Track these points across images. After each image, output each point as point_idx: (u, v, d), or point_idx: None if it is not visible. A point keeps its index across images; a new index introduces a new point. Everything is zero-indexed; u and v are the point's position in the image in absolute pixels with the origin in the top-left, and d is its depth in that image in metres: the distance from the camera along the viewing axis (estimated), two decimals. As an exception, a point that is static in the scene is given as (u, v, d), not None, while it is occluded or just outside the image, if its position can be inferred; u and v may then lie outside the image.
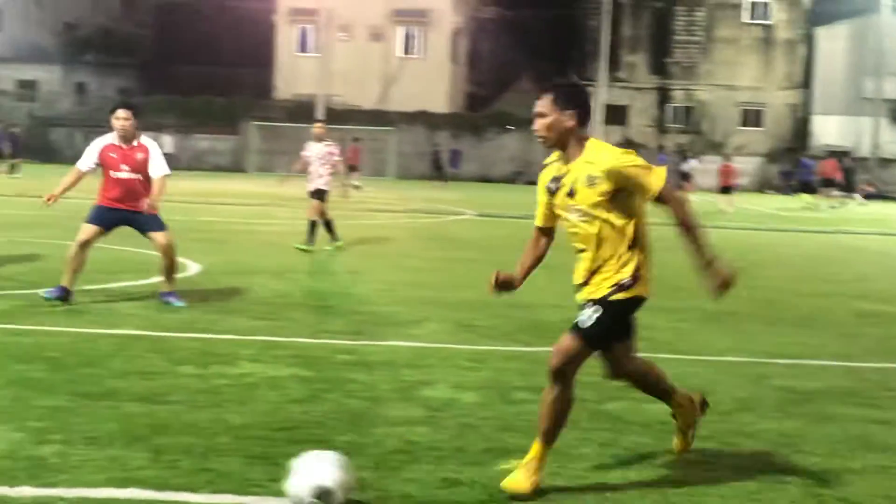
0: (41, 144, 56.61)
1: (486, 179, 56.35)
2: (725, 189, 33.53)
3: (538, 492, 4.64)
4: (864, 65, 59.71)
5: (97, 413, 5.75)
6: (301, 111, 58.56)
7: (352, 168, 42.27)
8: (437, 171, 50.74)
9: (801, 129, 60.96)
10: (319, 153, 15.88)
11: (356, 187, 39.01)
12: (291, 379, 6.81)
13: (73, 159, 11.24)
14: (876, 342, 9.09)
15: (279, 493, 4.48)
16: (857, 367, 8.08)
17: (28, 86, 64.00)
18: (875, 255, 19.93)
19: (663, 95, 61.95)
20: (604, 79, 57.41)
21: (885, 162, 58.89)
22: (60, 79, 64.87)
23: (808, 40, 60.87)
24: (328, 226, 15.67)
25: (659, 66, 61.98)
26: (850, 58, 59.79)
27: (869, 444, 5.76)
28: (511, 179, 56.58)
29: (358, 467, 4.93)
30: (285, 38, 63.90)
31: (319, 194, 15.59)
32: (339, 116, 57.99)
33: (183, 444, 5.22)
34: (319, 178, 15.70)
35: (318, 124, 17.16)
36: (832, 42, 60.33)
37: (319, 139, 16.13)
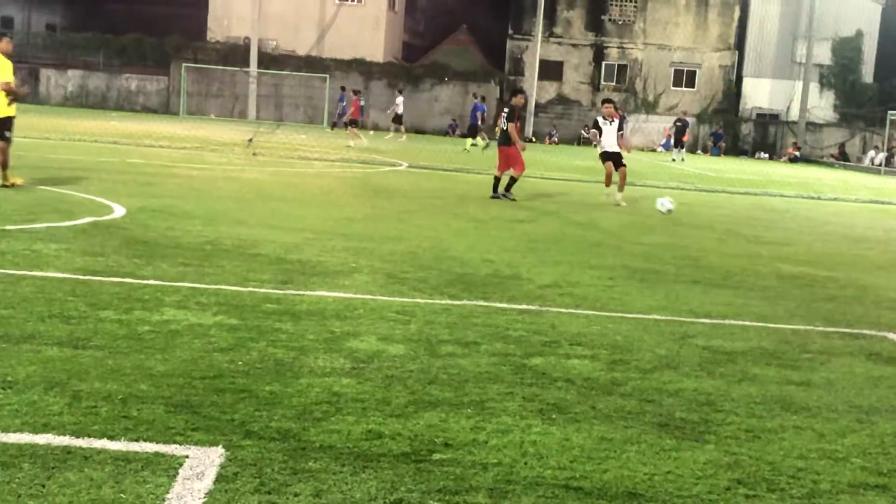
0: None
1: (419, 131, 56.12)
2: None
3: None
4: (796, 29, 60.42)
5: (15, 357, 5.63)
6: (234, 54, 57.74)
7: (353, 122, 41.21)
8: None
9: (732, 91, 61.58)
10: None
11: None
12: (217, 327, 6.72)
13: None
14: (797, 304, 9.21)
15: (200, 442, 4.44)
16: (778, 328, 8.21)
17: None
18: (799, 217, 20.25)
19: (598, 53, 62.07)
20: (539, 34, 57.35)
21: (813, 126, 59.83)
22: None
23: (742, 2, 61.32)
24: None
25: (595, 24, 62.02)
26: (783, 21, 60.43)
27: (787, 405, 5.86)
28: (445, 132, 56.48)
29: (280, 417, 4.91)
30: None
31: None
32: (273, 61, 57.33)
33: (103, 390, 5.13)
34: None
35: None
36: (766, 5, 60.87)
37: None
